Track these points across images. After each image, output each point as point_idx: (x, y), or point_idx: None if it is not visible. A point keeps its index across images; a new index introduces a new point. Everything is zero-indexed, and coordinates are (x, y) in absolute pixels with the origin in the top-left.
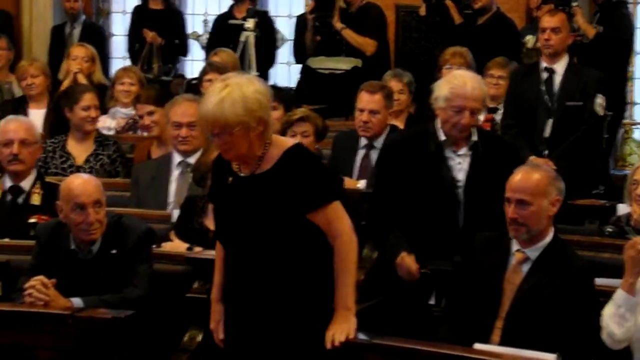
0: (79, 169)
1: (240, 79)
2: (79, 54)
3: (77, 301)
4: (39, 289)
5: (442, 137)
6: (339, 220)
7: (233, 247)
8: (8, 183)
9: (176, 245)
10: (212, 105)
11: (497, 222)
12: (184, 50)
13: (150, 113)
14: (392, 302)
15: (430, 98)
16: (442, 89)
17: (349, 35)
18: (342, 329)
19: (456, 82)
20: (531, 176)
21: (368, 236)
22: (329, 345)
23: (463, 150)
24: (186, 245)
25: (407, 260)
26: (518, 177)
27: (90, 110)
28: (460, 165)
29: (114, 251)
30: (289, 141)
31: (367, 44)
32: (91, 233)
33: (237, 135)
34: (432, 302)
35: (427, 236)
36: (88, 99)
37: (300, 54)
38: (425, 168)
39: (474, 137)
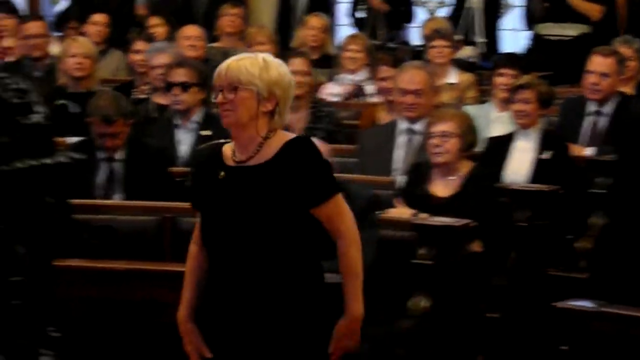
0: None
1: (274, 58)
2: (315, 24)
3: None
4: None
5: None
6: (340, 216)
7: (222, 251)
8: None
9: (401, 212)
10: (232, 60)
11: None
12: (409, 17)
13: (384, 78)
14: None
15: None
16: None
17: (575, 1)
18: (342, 346)
19: None
20: None
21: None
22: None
23: None
24: (411, 211)
25: None
26: None
27: (296, 75)
28: None
29: None
30: (292, 135)
31: (593, 10)
32: None
33: (243, 97)
34: None
35: None
36: (296, 63)
37: (529, 21)
38: None
39: None
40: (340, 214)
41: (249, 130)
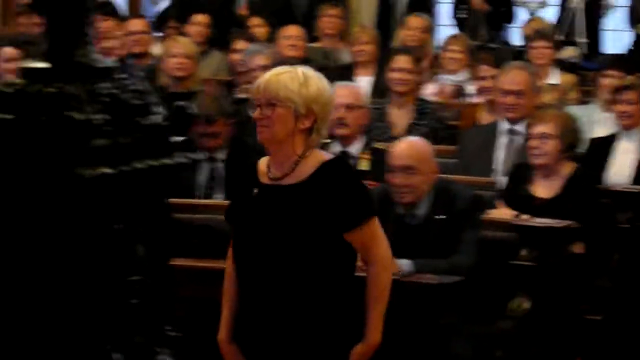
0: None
1: (315, 72)
2: (416, 24)
3: (406, 263)
4: None
5: None
6: (374, 241)
7: (251, 270)
8: (337, 148)
9: (502, 213)
10: (271, 74)
11: None
12: (509, 17)
13: (484, 78)
14: None
15: None
16: None
17: None
18: None
19: None
20: None
21: None
22: None
23: None
24: (513, 212)
25: None
26: None
27: (401, 72)
28: None
29: (441, 217)
30: (329, 155)
31: None
32: (400, 196)
33: (280, 114)
34: None
35: None
36: (401, 60)
37: (633, 21)
38: None
39: None
40: (374, 238)
41: (285, 147)
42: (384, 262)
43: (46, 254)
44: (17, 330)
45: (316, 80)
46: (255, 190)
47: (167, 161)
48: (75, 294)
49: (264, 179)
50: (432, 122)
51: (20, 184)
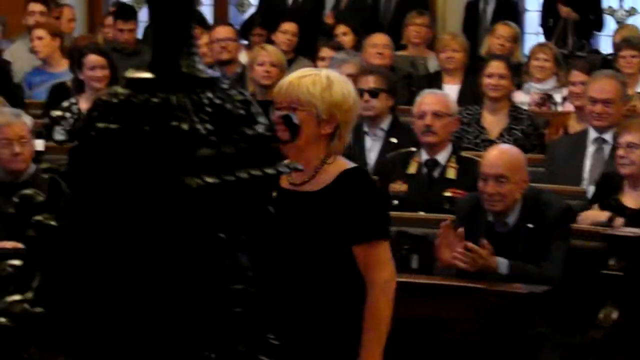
0: (491, 143)
1: (340, 75)
2: (504, 32)
3: (503, 262)
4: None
5: None
6: (378, 265)
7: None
8: (424, 156)
9: (597, 214)
10: (294, 77)
11: None
12: (599, 25)
13: (575, 83)
14: None
15: None
16: None
17: None
18: None
19: None
20: None
21: None
22: None
23: None
24: (607, 214)
25: None
26: None
27: (492, 78)
28: None
29: (531, 225)
30: (350, 164)
31: None
32: (491, 204)
33: (300, 118)
34: None
35: None
36: (496, 66)
37: None
38: None
39: None
40: (379, 262)
41: (305, 152)
42: (384, 287)
43: (152, 262)
44: (122, 339)
45: (342, 84)
46: (274, 194)
47: (270, 171)
48: (180, 302)
49: (284, 183)
50: (527, 129)
51: (127, 193)
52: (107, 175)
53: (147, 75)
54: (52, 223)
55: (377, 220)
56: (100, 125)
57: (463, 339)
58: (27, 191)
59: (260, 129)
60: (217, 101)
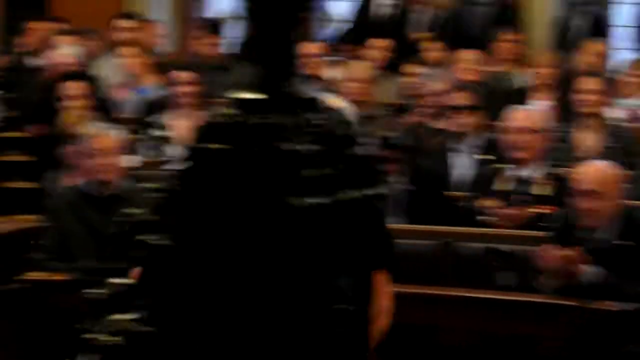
0: (583, 160)
1: None
2: (594, 49)
3: (592, 270)
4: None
5: None
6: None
7: None
8: (514, 172)
9: None
10: None
11: None
12: None
13: None
14: None
15: None
16: None
17: None
18: None
19: None
20: None
21: None
22: None
23: None
24: None
25: None
26: None
27: (589, 94)
28: None
29: (624, 242)
30: None
31: None
32: (583, 220)
33: None
34: None
35: None
36: (588, 82)
37: None
38: None
39: None
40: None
41: None
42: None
43: (257, 280)
44: (230, 357)
45: None
46: None
47: (369, 192)
48: (283, 321)
49: None
50: (626, 146)
51: (235, 212)
52: (218, 195)
53: (256, 95)
54: (166, 243)
55: (381, 248)
56: (213, 146)
57: (554, 356)
58: (132, 210)
59: (361, 150)
60: (321, 122)
